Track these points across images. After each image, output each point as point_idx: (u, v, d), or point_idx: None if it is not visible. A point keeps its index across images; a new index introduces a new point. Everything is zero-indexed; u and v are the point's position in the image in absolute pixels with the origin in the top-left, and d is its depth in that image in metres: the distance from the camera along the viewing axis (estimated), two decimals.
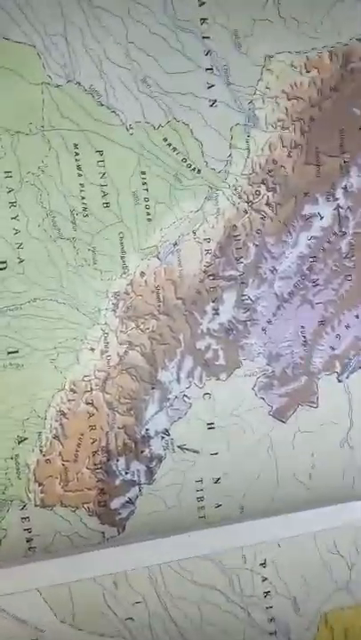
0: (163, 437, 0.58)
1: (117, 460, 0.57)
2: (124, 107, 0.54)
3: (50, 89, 0.52)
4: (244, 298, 0.59)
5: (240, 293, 0.58)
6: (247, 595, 0.61)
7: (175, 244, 0.56)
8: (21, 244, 0.53)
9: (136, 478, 0.58)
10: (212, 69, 0.55)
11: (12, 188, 0.53)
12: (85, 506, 0.57)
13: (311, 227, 0.59)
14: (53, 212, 0.53)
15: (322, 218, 0.59)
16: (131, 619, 0.58)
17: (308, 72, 0.57)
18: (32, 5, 0.51)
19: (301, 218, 0.59)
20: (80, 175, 0.54)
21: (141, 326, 0.57)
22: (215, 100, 0.55)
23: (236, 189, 0.57)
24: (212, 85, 0.55)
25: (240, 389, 0.60)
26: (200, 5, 0.54)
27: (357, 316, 0.61)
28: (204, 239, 0.57)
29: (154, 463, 0.58)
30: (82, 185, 0.54)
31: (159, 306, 0.57)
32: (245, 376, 0.60)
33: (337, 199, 0.59)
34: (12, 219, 0.53)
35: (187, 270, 0.57)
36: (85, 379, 0.56)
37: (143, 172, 0.55)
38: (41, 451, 0.56)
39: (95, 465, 0.57)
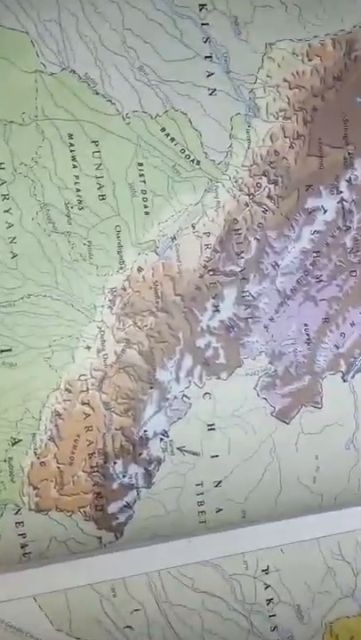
0: (161, 439, 0.58)
1: (115, 463, 0.57)
2: (120, 95, 0.54)
3: (43, 77, 0.52)
4: (245, 294, 0.58)
5: (241, 289, 0.58)
6: (249, 602, 0.61)
7: (174, 239, 0.56)
8: (14, 238, 0.53)
9: (134, 481, 0.58)
10: (211, 57, 0.55)
11: (5, 180, 0.52)
12: (82, 510, 0.57)
13: (314, 220, 0.59)
14: (47, 205, 0.53)
15: (325, 211, 0.59)
16: (129, 627, 0.58)
17: (310, 60, 0.57)
18: None
19: (304, 211, 0.59)
20: (75, 167, 0.54)
21: (139, 323, 0.56)
22: (215, 89, 0.55)
23: (236, 181, 0.57)
24: (212, 74, 0.55)
25: (241, 389, 0.59)
26: None
27: None
28: (204, 233, 0.57)
29: (152, 466, 0.58)
30: (77, 177, 0.54)
31: (157, 302, 0.57)
32: (247, 375, 0.59)
33: (341, 192, 0.59)
34: (5, 212, 0.53)
35: (186, 265, 0.57)
36: (81, 378, 0.56)
37: (140, 164, 0.55)
38: (35, 453, 0.55)
39: (92, 468, 0.57)
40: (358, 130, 0.58)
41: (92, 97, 0.53)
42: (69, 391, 0.56)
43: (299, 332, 0.60)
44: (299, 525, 0.60)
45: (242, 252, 0.58)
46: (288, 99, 0.57)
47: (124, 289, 0.56)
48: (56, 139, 0.53)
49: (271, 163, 0.57)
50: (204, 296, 0.58)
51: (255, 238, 0.58)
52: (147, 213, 0.55)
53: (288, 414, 0.61)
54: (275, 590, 0.61)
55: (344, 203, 0.59)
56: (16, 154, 0.52)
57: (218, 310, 0.58)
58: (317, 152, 0.58)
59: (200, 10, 0.54)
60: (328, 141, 0.58)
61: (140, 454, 0.58)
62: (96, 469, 0.57)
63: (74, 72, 0.52)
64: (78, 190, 0.54)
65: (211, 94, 0.55)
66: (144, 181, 0.55)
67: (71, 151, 0.53)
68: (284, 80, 0.56)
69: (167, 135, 0.55)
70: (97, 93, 0.53)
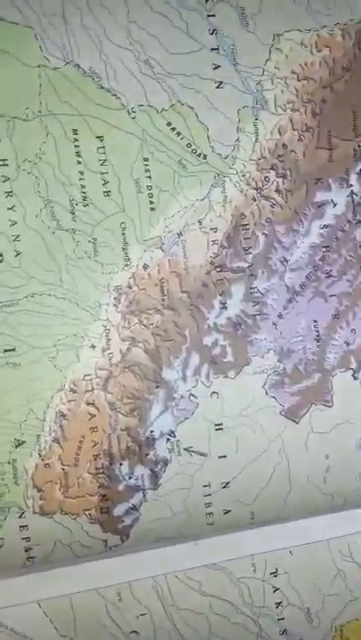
0: (168, 439, 0.59)
1: (120, 464, 0.58)
2: (125, 89, 0.55)
3: (47, 72, 0.53)
4: (253, 291, 0.60)
5: (249, 286, 0.60)
6: (258, 606, 0.62)
7: (180, 235, 0.58)
8: (18, 235, 0.54)
9: (140, 483, 0.59)
10: (217, 49, 0.56)
11: (9, 177, 0.54)
12: (87, 513, 0.58)
13: (324, 215, 0.60)
14: (52, 202, 0.55)
15: (335, 205, 0.61)
16: (135, 632, 0.59)
17: (319, 51, 0.58)
18: None
19: (313, 205, 0.60)
20: (79, 162, 0.55)
21: (145, 322, 0.58)
22: (221, 82, 0.57)
23: (244, 176, 0.58)
24: (218, 66, 0.56)
25: (250, 388, 0.61)
26: None
27: None
28: (211, 229, 0.58)
29: (159, 467, 0.59)
30: (81, 173, 0.55)
31: (163, 300, 0.58)
32: (255, 373, 0.61)
33: (351, 185, 0.61)
34: (9, 209, 0.54)
35: (192, 262, 0.58)
36: (86, 378, 0.57)
37: (146, 159, 0.56)
38: (40, 455, 0.57)
39: (97, 469, 0.58)
40: None
41: (97, 91, 0.54)
42: (74, 391, 0.57)
43: (308, 328, 0.61)
44: (308, 527, 0.61)
45: (250, 247, 0.59)
46: (296, 90, 0.58)
47: (130, 286, 0.57)
48: (60, 134, 0.54)
49: (279, 156, 0.59)
50: (211, 293, 0.59)
51: (263, 233, 0.59)
52: (152, 209, 0.57)
53: (297, 413, 0.62)
54: (284, 593, 0.62)
55: (354, 196, 0.61)
56: (20, 150, 0.53)
57: (225, 307, 0.59)
58: (327, 144, 0.59)
59: (206, 1, 0.55)
60: (337, 133, 0.59)
61: (147, 455, 0.59)
62: (101, 471, 0.58)
63: (78, 66, 0.54)
64: (83, 187, 0.55)
65: (217, 87, 0.57)
66: (150, 177, 0.56)
67: (75, 147, 0.54)
68: (293, 72, 0.58)
69: (173, 129, 0.56)
70: (102, 87, 0.54)
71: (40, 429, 0.56)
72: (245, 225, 0.59)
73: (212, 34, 0.56)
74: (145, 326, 0.58)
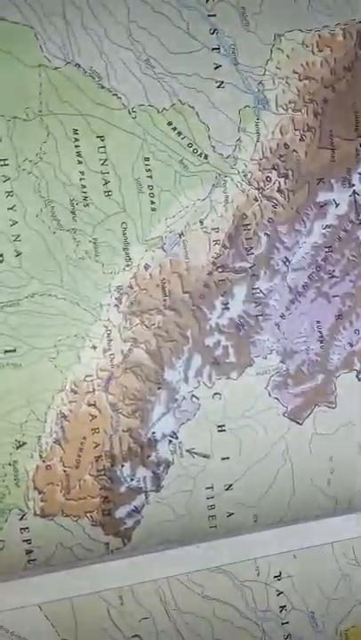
0: (170, 441, 0.59)
1: (122, 466, 0.58)
2: (126, 89, 0.55)
3: (48, 71, 0.53)
4: (255, 291, 0.60)
5: (251, 286, 0.59)
6: (261, 609, 0.61)
7: (181, 235, 0.57)
8: (19, 236, 0.54)
9: (142, 485, 0.59)
10: (218, 49, 0.56)
11: (9, 177, 0.54)
12: (88, 515, 0.58)
13: (326, 215, 0.60)
14: (52, 202, 0.54)
15: (337, 205, 0.60)
16: (137, 636, 0.59)
17: (320, 51, 0.58)
18: None
19: (315, 205, 0.60)
20: (80, 162, 0.55)
21: (146, 322, 0.57)
22: (222, 82, 0.57)
23: (245, 175, 0.58)
24: (219, 66, 0.56)
25: (252, 389, 0.60)
26: None
27: None
28: (212, 229, 0.58)
29: (161, 469, 0.59)
30: (82, 173, 0.55)
31: (165, 300, 0.58)
32: (258, 374, 0.60)
33: (353, 185, 0.60)
34: (9, 209, 0.54)
35: (194, 262, 0.58)
36: (87, 379, 0.57)
37: (147, 159, 0.56)
38: (41, 456, 0.56)
39: (98, 471, 0.58)
40: None
41: (98, 91, 0.54)
42: (75, 392, 0.57)
43: (311, 329, 0.61)
44: (312, 530, 0.61)
45: (251, 247, 0.59)
46: (298, 90, 0.58)
47: (131, 287, 0.57)
48: (61, 134, 0.54)
49: (281, 156, 0.58)
50: (212, 293, 0.59)
51: (265, 233, 0.59)
52: (153, 209, 0.57)
53: (301, 414, 0.62)
54: (287, 597, 0.62)
55: (356, 196, 0.61)
56: (20, 150, 0.53)
57: (227, 308, 0.59)
58: (328, 144, 0.59)
59: (207, 1, 0.55)
60: (339, 133, 0.59)
61: (149, 457, 0.59)
62: (103, 473, 0.58)
63: (79, 66, 0.54)
64: (84, 187, 0.55)
65: (218, 87, 0.57)
66: (151, 177, 0.56)
67: (76, 147, 0.54)
68: (294, 71, 0.58)
69: (174, 129, 0.56)
70: (102, 87, 0.54)
71: (41, 430, 0.56)
72: (247, 225, 0.59)
73: (212, 33, 0.56)
74: (146, 327, 0.58)
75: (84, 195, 0.55)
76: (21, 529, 0.57)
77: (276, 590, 0.62)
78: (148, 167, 0.56)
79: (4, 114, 0.53)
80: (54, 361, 0.56)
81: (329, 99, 0.59)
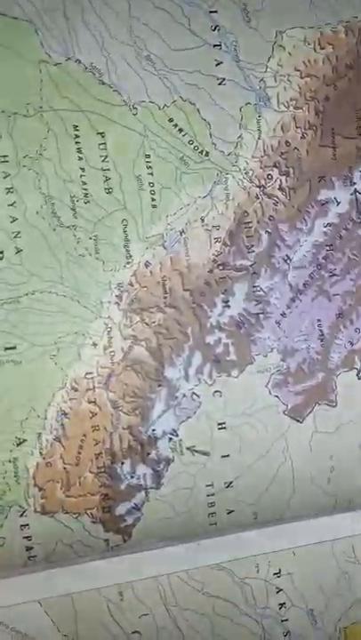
0: (170, 438, 0.58)
1: (122, 463, 0.58)
2: (126, 85, 0.54)
3: (48, 67, 0.52)
4: (255, 289, 0.59)
5: (252, 284, 0.59)
6: (261, 607, 0.61)
7: (182, 232, 0.57)
8: (19, 232, 0.54)
9: (142, 482, 0.58)
10: (220, 45, 0.55)
11: (9, 173, 0.53)
12: (88, 512, 0.57)
13: (327, 213, 0.59)
14: (52, 199, 0.54)
15: (338, 203, 0.59)
16: (137, 632, 0.59)
17: (322, 48, 0.57)
18: None
19: (317, 203, 0.59)
20: (80, 159, 0.54)
21: (147, 320, 0.57)
22: (224, 79, 0.56)
23: (246, 173, 0.57)
24: (221, 62, 0.55)
25: (253, 387, 0.60)
26: None
27: None
28: (213, 226, 0.57)
29: (161, 466, 0.59)
30: (82, 169, 0.54)
31: (165, 298, 0.57)
32: (258, 372, 0.60)
33: (354, 183, 0.60)
34: (9, 206, 0.53)
35: (194, 260, 0.57)
36: (88, 376, 0.56)
37: (148, 155, 0.55)
38: (41, 453, 0.56)
39: (99, 468, 0.57)
40: None
41: (98, 87, 0.53)
42: (75, 389, 0.56)
43: (312, 327, 0.60)
44: (312, 527, 0.61)
45: (252, 245, 0.58)
46: (299, 88, 0.57)
47: (132, 284, 0.56)
48: (61, 130, 0.53)
49: (282, 154, 0.58)
50: (213, 291, 0.58)
51: (266, 231, 0.58)
52: (154, 206, 0.56)
53: (301, 412, 0.61)
54: (287, 594, 0.61)
55: (357, 194, 0.60)
56: (20, 146, 0.53)
57: (228, 306, 0.58)
58: (330, 142, 0.58)
59: None
60: (341, 131, 0.58)
61: (149, 454, 0.58)
62: (103, 470, 0.57)
63: (79, 62, 0.53)
64: (84, 183, 0.54)
65: (220, 84, 0.56)
66: (151, 174, 0.55)
67: (76, 143, 0.54)
68: (296, 69, 0.57)
69: (175, 126, 0.55)
70: (103, 83, 0.53)
71: (41, 428, 0.56)
72: (248, 223, 0.58)
73: (214, 30, 0.55)
74: (147, 324, 0.57)
75: (84, 191, 0.54)
76: (22, 526, 0.56)
77: (276, 587, 0.61)
78: (149, 164, 0.55)
79: (4, 109, 0.52)
80: (55, 358, 0.55)
81: (331, 96, 0.58)
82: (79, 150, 0.54)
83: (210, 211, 0.57)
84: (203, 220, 0.57)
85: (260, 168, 0.57)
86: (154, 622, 0.59)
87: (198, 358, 0.58)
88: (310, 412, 0.61)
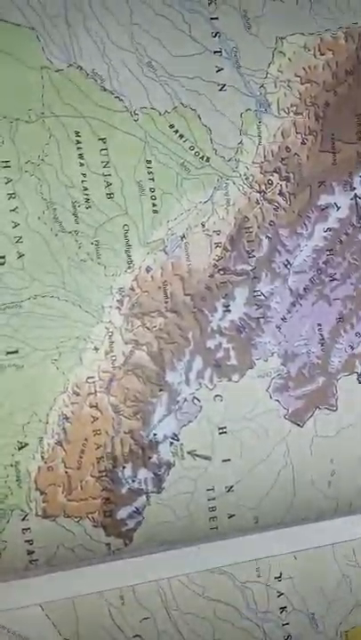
0: (171, 443, 0.58)
1: (123, 467, 0.57)
2: (128, 92, 0.54)
3: (50, 73, 0.52)
4: (256, 294, 0.59)
5: (252, 289, 0.58)
6: (262, 610, 0.61)
7: (183, 237, 0.57)
8: (20, 237, 0.53)
9: (143, 486, 0.58)
10: (220, 52, 0.55)
11: (11, 179, 0.53)
12: (90, 516, 0.57)
13: (327, 218, 0.59)
14: (54, 204, 0.54)
15: (339, 208, 0.59)
16: (138, 636, 0.58)
17: (322, 54, 0.57)
18: None
19: (317, 208, 0.59)
20: (82, 164, 0.54)
21: (148, 324, 0.57)
22: (224, 85, 0.56)
23: (247, 178, 0.57)
24: (221, 69, 0.55)
25: (253, 391, 0.60)
26: None
27: None
28: (214, 231, 0.57)
29: (162, 470, 0.58)
30: (84, 175, 0.54)
31: (166, 302, 0.57)
32: (259, 377, 0.60)
33: (354, 188, 0.59)
34: (11, 211, 0.53)
35: (195, 265, 0.57)
36: (89, 380, 0.56)
37: (149, 161, 0.55)
38: (42, 457, 0.56)
39: (100, 472, 0.57)
40: None
41: (100, 93, 0.53)
42: (77, 394, 0.56)
43: (312, 332, 0.60)
44: (313, 531, 0.60)
45: (253, 250, 0.58)
46: (300, 94, 0.57)
47: (133, 289, 0.56)
48: (63, 136, 0.53)
49: (283, 159, 0.57)
50: (214, 296, 0.58)
51: (267, 236, 0.58)
52: (155, 212, 0.56)
53: (302, 417, 0.61)
54: (288, 598, 0.61)
55: (358, 199, 0.60)
56: (22, 152, 0.52)
57: (228, 310, 0.58)
58: (330, 148, 0.58)
59: (209, 4, 0.54)
60: (341, 137, 0.58)
61: (150, 458, 0.58)
62: (105, 474, 0.57)
63: (81, 68, 0.53)
64: (85, 189, 0.54)
65: (220, 90, 0.55)
66: (152, 179, 0.55)
67: (78, 149, 0.53)
68: (296, 75, 0.57)
69: (176, 132, 0.55)
70: (104, 90, 0.53)
71: (43, 432, 0.55)
72: (249, 228, 0.58)
73: (214, 36, 0.55)
74: (148, 329, 0.57)
75: (85, 197, 0.54)
76: (23, 529, 0.56)
77: (277, 591, 0.61)
78: (150, 169, 0.55)
79: (6, 115, 0.52)
80: (56, 362, 0.55)
81: (331, 102, 0.58)
82: (81, 156, 0.54)
83: (210, 216, 0.57)
84: (203, 226, 0.57)
85: (261, 173, 0.57)
86: (155, 626, 0.59)
87: (199, 363, 0.58)
88: (311, 416, 0.61)
